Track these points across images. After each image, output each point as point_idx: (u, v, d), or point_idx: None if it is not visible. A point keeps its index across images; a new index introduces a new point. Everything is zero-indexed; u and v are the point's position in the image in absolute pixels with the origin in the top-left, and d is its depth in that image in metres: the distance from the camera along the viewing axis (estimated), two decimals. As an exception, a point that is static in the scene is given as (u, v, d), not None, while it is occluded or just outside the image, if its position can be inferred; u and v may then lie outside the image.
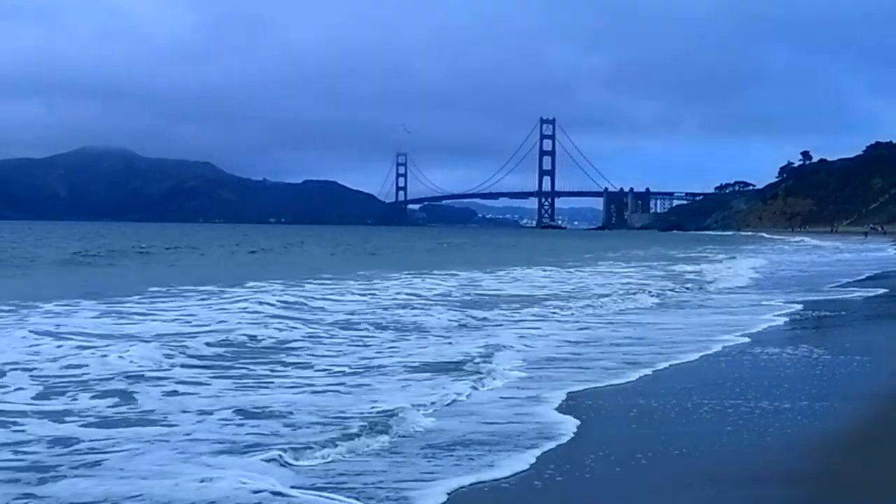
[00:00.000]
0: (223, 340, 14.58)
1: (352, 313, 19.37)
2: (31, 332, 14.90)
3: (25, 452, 7.90)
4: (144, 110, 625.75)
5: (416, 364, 12.66)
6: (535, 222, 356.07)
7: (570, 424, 9.01)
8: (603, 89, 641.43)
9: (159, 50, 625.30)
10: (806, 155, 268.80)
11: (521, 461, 7.64)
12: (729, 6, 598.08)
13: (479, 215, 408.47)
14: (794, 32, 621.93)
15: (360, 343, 15.06)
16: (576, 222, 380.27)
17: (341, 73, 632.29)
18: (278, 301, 21.05)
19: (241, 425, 8.92)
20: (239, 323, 17.09)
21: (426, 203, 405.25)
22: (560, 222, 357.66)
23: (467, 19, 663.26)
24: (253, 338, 15.08)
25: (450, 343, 14.90)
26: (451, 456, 7.82)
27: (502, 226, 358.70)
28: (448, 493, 6.78)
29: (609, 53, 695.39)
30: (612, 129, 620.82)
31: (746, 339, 15.45)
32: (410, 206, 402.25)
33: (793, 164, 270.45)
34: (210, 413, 9.41)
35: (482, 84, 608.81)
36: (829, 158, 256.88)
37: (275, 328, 16.37)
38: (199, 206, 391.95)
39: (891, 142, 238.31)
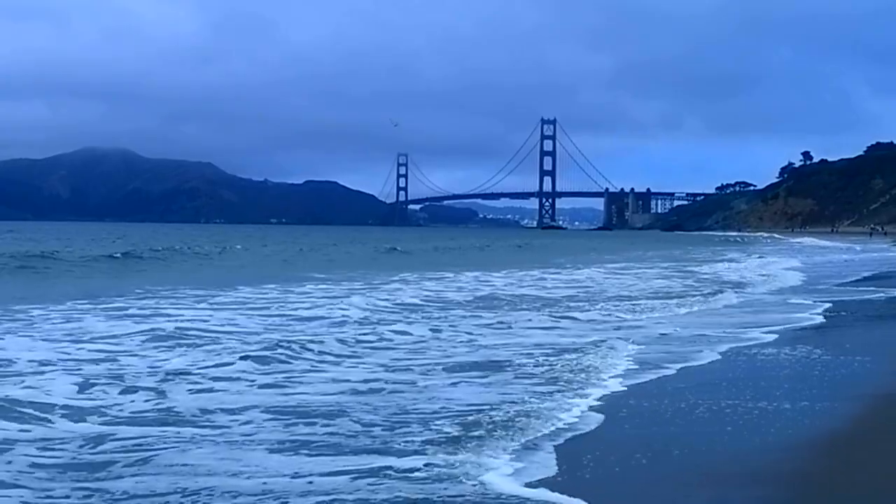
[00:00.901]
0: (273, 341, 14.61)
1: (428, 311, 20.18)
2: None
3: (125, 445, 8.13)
4: (146, 111, 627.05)
5: (465, 363, 12.92)
6: (535, 223, 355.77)
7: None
8: (605, 89, 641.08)
9: (161, 51, 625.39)
10: (807, 155, 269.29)
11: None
12: (732, 5, 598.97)
13: (480, 216, 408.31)
14: (796, 32, 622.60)
15: (431, 339, 15.50)
16: (576, 222, 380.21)
17: (342, 73, 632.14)
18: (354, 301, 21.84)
19: (312, 424, 9.04)
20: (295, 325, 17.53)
21: (427, 203, 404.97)
22: (561, 223, 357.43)
23: (469, 20, 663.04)
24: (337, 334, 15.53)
25: (486, 343, 15.11)
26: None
27: (503, 226, 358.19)
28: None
29: (611, 53, 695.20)
30: (613, 130, 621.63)
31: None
32: (411, 207, 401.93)
33: (793, 164, 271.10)
34: (270, 413, 9.52)
35: (483, 84, 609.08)
36: (830, 159, 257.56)
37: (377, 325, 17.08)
38: (201, 206, 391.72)
39: (891, 142, 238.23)
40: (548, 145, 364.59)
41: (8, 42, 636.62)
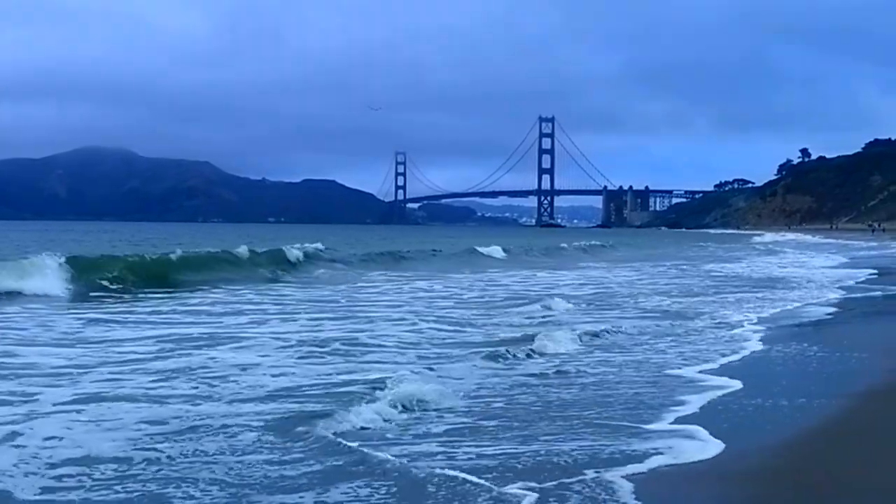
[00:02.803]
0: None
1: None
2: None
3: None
4: (144, 111, 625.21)
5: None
6: (534, 221, 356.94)
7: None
8: (603, 88, 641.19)
9: (160, 51, 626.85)
10: (805, 152, 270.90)
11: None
12: (734, 4, 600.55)
13: (479, 214, 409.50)
14: (798, 30, 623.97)
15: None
16: (575, 220, 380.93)
17: (341, 72, 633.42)
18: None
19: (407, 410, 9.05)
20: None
21: (425, 202, 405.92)
22: (559, 221, 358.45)
23: (474, 20, 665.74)
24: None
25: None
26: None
27: (501, 224, 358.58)
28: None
29: (612, 52, 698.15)
30: (611, 128, 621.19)
31: None
32: (409, 205, 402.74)
33: (791, 161, 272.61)
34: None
35: (482, 83, 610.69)
36: (829, 156, 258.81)
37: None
38: (199, 205, 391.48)
39: (889, 139, 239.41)
40: (546, 143, 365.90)
41: (8, 43, 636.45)
